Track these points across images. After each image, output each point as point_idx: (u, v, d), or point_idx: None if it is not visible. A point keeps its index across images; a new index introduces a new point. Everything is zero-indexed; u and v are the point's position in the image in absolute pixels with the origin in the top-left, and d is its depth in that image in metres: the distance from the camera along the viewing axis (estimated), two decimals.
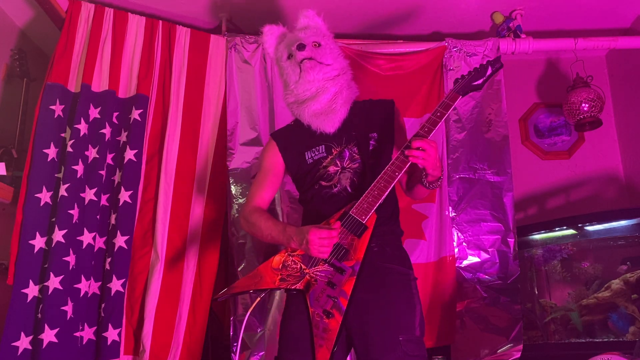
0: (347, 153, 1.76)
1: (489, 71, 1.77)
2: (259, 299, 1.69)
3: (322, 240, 1.53)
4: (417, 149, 1.58)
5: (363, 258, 1.56)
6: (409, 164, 1.62)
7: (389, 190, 1.60)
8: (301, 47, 1.73)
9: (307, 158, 1.80)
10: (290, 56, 1.78)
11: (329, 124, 1.75)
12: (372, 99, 1.91)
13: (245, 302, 2.35)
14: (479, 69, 1.78)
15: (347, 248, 1.58)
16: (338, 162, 1.76)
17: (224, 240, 2.45)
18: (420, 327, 1.60)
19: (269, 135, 1.97)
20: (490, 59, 1.81)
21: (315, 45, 1.77)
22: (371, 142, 1.77)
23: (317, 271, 1.59)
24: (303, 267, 1.61)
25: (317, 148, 1.79)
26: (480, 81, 1.76)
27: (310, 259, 1.60)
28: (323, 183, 1.75)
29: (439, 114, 1.66)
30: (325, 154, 1.78)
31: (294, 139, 1.85)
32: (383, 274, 1.64)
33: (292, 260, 1.63)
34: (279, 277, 1.62)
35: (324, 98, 1.73)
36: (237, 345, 2.30)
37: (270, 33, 1.90)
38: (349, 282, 1.54)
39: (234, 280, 2.36)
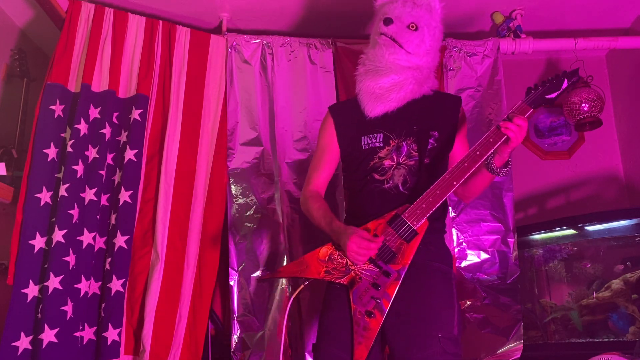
0: (405, 148, 1.68)
1: (565, 84, 1.64)
2: (302, 286, 1.67)
3: (360, 249, 1.52)
4: (518, 125, 1.53)
5: (410, 263, 1.55)
6: (483, 160, 1.56)
7: (444, 198, 1.56)
8: (387, 21, 1.63)
9: (362, 143, 1.72)
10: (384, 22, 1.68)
11: (370, 108, 1.69)
12: (441, 92, 1.84)
13: (245, 302, 2.35)
14: (554, 81, 1.65)
15: (395, 251, 1.56)
16: (394, 156, 1.68)
17: (224, 240, 2.45)
18: (459, 326, 1.59)
19: (328, 108, 1.88)
20: (567, 71, 1.67)
21: (411, 26, 1.66)
22: (431, 140, 1.69)
23: (363, 269, 1.58)
24: (349, 263, 1.60)
25: (375, 135, 1.70)
26: (554, 95, 1.64)
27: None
28: (376, 176, 1.68)
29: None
30: (382, 144, 1.70)
31: (353, 116, 1.76)
32: (424, 271, 1.61)
33: (339, 254, 1.62)
34: (324, 269, 1.61)
35: (382, 81, 1.66)
36: (237, 345, 2.30)
37: None
38: (393, 285, 1.53)
39: (234, 280, 2.37)
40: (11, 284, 1.98)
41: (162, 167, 2.36)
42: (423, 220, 1.56)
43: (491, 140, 1.56)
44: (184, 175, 2.41)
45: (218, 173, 2.49)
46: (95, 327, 2.16)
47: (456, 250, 2.53)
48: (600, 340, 2.39)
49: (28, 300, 1.96)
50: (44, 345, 1.92)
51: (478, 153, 1.57)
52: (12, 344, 1.90)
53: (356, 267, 1.58)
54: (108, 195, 2.29)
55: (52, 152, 2.14)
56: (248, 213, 2.45)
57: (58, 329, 1.97)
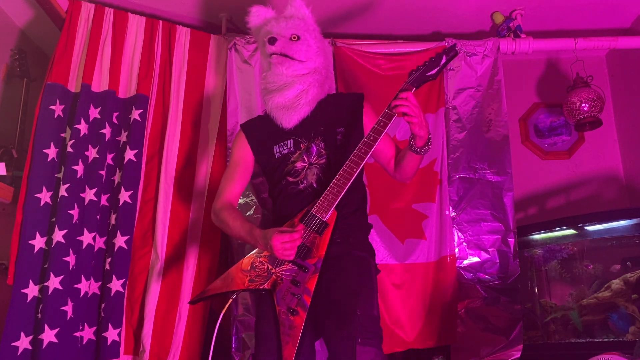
0: (315, 148, 1.77)
1: (443, 60, 1.70)
2: (230, 300, 1.71)
3: (285, 244, 1.56)
4: (404, 99, 1.59)
5: (325, 255, 1.59)
6: (376, 144, 1.62)
7: (348, 186, 1.61)
8: (272, 40, 1.73)
9: (275, 152, 1.81)
10: (264, 44, 1.78)
11: (287, 120, 1.76)
12: (342, 92, 1.91)
13: (246, 302, 2.35)
14: (434, 59, 1.72)
15: (310, 246, 1.61)
16: (305, 158, 1.77)
17: (224, 240, 2.45)
18: (377, 310, 1.65)
19: (239, 126, 1.97)
20: (447, 47, 1.74)
21: (293, 38, 1.76)
22: (338, 137, 1.77)
23: (282, 270, 1.63)
24: (270, 267, 1.65)
25: (286, 142, 1.79)
26: (434, 71, 1.69)
27: (276, 258, 1.63)
28: (290, 179, 1.76)
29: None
30: (293, 149, 1.78)
31: (264, 130, 1.85)
32: (345, 259, 1.68)
33: (260, 261, 1.67)
34: (248, 278, 1.66)
35: (288, 93, 1.74)
36: (237, 345, 2.30)
37: (256, 15, 1.89)
38: (312, 279, 1.58)
39: None
40: (11, 284, 1.98)
41: (162, 167, 2.37)
42: (331, 211, 1.61)
43: (382, 122, 1.64)
44: (184, 175, 2.41)
45: (218, 173, 2.49)
46: (95, 327, 2.17)
47: (456, 250, 2.53)
48: (600, 340, 2.39)
49: (28, 300, 1.97)
50: (44, 345, 1.93)
51: (372, 137, 1.64)
52: (12, 344, 1.90)
53: (277, 270, 1.63)
54: (108, 195, 2.29)
55: (52, 152, 2.14)
56: (248, 213, 2.44)
57: (58, 329, 1.97)
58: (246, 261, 1.70)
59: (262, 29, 1.85)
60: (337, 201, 1.61)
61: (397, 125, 2.57)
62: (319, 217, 1.62)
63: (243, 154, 1.88)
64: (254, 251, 1.71)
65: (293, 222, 1.67)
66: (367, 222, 1.83)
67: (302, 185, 1.74)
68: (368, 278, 1.69)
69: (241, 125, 1.95)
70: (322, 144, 1.77)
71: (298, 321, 1.54)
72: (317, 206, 1.63)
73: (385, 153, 1.85)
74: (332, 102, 1.84)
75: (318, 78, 1.79)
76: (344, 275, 1.64)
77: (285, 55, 1.74)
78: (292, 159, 1.77)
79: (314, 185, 1.73)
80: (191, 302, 1.95)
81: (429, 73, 1.69)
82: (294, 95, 1.74)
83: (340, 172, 1.63)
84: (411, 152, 1.71)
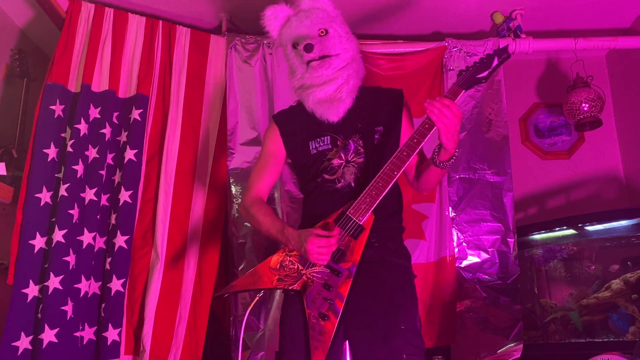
0: (352, 146, 1.71)
1: (495, 62, 1.62)
2: (257, 297, 1.68)
3: (321, 249, 1.51)
4: (445, 106, 1.51)
5: (360, 260, 1.54)
6: (420, 146, 1.56)
7: (387, 189, 1.56)
8: (309, 48, 1.65)
9: (311, 148, 1.74)
10: (295, 45, 1.73)
11: (334, 113, 1.69)
12: (381, 87, 1.84)
13: (245, 302, 2.35)
14: (485, 60, 1.63)
15: (344, 250, 1.55)
16: (342, 155, 1.70)
17: (224, 240, 2.45)
18: (419, 321, 1.60)
19: (272, 117, 1.90)
20: (498, 48, 1.67)
21: (321, 33, 1.69)
22: (376, 135, 1.71)
23: (313, 272, 1.58)
24: (300, 267, 1.60)
25: (323, 138, 1.73)
26: (485, 73, 1.61)
27: (307, 260, 1.58)
28: (326, 176, 1.70)
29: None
30: (330, 146, 1.72)
31: (298, 124, 1.79)
32: (384, 266, 1.62)
33: (290, 261, 1.62)
34: (277, 277, 1.61)
35: (330, 88, 1.67)
36: (237, 345, 2.30)
37: (274, 17, 1.80)
38: (345, 284, 1.52)
39: (234, 280, 2.37)
40: (11, 284, 1.98)
41: (162, 167, 2.37)
42: (368, 215, 1.55)
43: (427, 125, 1.57)
44: (184, 175, 2.41)
45: (218, 173, 2.49)
46: (95, 327, 2.16)
47: (456, 250, 2.53)
48: (600, 340, 2.39)
49: (28, 300, 1.96)
50: (44, 345, 1.93)
51: (415, 140, 1.57)
52: (12, 344, 1.90)
53: (307, 271, 1.58)
54: (108, 195, 2.29)
55: (52, 152, 2.14)
56: None
57: (58, 329, 1.97)
58: (275, 259, 1.64)
59: (284, 31, 1.78)
60: (375, 204, 1.55)
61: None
62: (355, 220, 1.55)
63: (275, 148, 1.81)
64: (282, 249, 1.66)
65: (327, 222, 1.60)
66: (401, 224, 1.77)
67: (340, 185, 1.68)
68: (410, 289, 1.64)
69: (273, 117, 1.89)
70: (361, 142, 1.70)
71: (329, 327, 1.50)
72: (353, 208, 1.56)
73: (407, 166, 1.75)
74: (370, 97, 1.77)
75: (355, 67, 1.72)
76: (386, 287, 1.58)
77: (324, 57, 1.68)
78: (328, 156, 1.71)
79: (352, 185, 1.67)
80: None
81: (480, 75, 1.61)
82: (334, 89, 1.68)
83: (379, 173, 1.56)
84: (434, 166, 1.64)
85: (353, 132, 1.72)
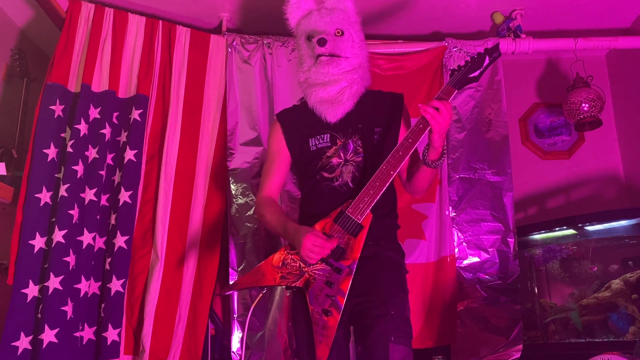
0: (352, 145, 1.75)
1: (486, 61, 1.68)
2: (260, 295, 1.72)
3: (314, 247, 1.54)
4: (435, 108, 1.57)
5: (359, 257, 1.58)
6: (415, 146, 1.61)
7: (385, 188, 1.59)
8: (322, 42, 1.69)
9: (310, 145, 1.78)
10: (309, 38, 1.76)
11: (332, 114, 1.74)
12: (382, 91, 1.87)
13: (245, 302, 2.35)
14: (476, 59, 1.69)
15: (344, 248, 1.59)
16: (342, 154, 1.74)
17: (224, 240, 2.45)
18: (408, 311, 1.66)
19: (275, 115, 1.92)
20: (488, 47, 1.72)
21: (337, 33, 1.74)
22: (375, 136, 1.75)
23: (315, 270, 1.61)
24: (302, 265, 1.63)
25: (322, 136, 1.77)
26: (477, 73, 1.67)
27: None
28: (325, 174, 1.74)
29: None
30: (329, 144, 1.76)
31: (300, 121, 1.83)
32: (377, 261, 1.67)
33: (292, 259, 1.65)
34: (280, 274, 1.64)
35: (332, 89, 1.72)
36: (237, 345, 2.30)
37: (297, 7, 1.84)
38: (345, 280, 1.56)
39: (234, 279, 2.37)
40: (11, 284, 1.98)
41: (162, 167, 2.37)
42: (367, 213, 1.59)
43: (421, 126, 1.62)
44: (184, 175, 2.41)
45: (218, 173, 2.49)
46: (95, 327, 2.16)
47: (456, 250, 2.53)
48: (600, 340, 2.39)
49: (28, 300, 1.97)
50: (44, 345, 1.93)
51: (410, 140, 1.62)
52: (12, 344, 1.90)
53: (309, 269, 1.61)
54: (108, 195, 2.29)
55: (52, 152, 2.14)
56: (248, 213, 2.44)
57: (58, 329, 1.97)
58: (277, 257, 1.67)
59: (302, 22, 1.81)
60: (374, 203, 1.59)
61: None
62: (354, 219, 1.59)
63: (279, 146, 1.85)
64: (284, 247, 1.69)
65: (327, 221, 1.64)
66: (396, 222, 1.81)
67: (337, 183, 1.72)
68: (401, 280, 1.70)
69: (277, 115, 1.93)
70: (360, 142, 1.74)
71: (332, 322, 1.54)
72: (352, 207, 1.60)
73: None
74: (372, 100, 1.82)
75: (361, 73, 1.77)
76: (378, 278, 1.64)
77: (333, 55, 1.72)
78: (327, 154, 1.75)
79: (350, 184, 1.70)
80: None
81: (472, 75, 1.66)
82: (337, 91, 1.72)
83: (377, 173, 1.61)
84: (424, 166, 1.69)
85: (353, 132, 1.76)
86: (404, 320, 1.61)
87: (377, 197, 1.59)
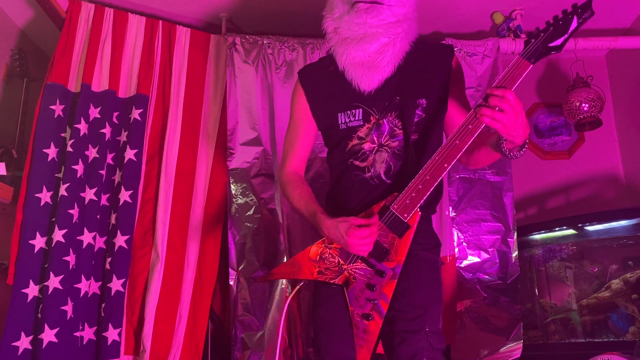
0: (387, 126, 1.48)
1: (574, 24, 1.32)
2: (298, 286, 1.56)
3: (363, 240, 1.36)
4: (494, 108, 1.26)
5: (405, 261, 1.41)
6: (477, 133, 1.34)
7: (436, 184, 1.38)
8: None
9: (340, 122, 1.53)
10: None
11: (366, 81, 1.47)
12: (425, 42, 1.54)
13: (245, 302, 2.35)
14: (562, 20, 1.33)
15: (388, 248, 1.42)
16: (375, 137, 1.49)
17: (224, 240, 2.45)
18: (441, 320, 1.53)
19: (297, 74, 1.66)
20: (577, 4, 1.34)
21: None
22: (417, 111, 1.47)
23: (355, 269, 1.46)
24: (341, 262, 1.48)
25: (354, 112, 1.51)
26: (560, 41, 1.32)
27: (348, 254, 1.47)
28: (356, 162, 1.51)
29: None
30: (362, 122, 1.50)
31: (327, 87, 1.56)
32: (412, 262, 1.48)
33: (330, 254, 1.49)
34: (317, 269, 1.49)
35: (370, 47, 1.44)
36: (237, 346, 2.30)
37: None
38: (389, 285, 1.41)
39: (234, 280, 2.37)
40: (11, 284, 1.98)
41: (162, 167, 2.37)
42: (414, 211, 1.39)
43: (470, 126, 1.37)
44: (184, 175, 2.41)
45: (218, 173, 2.49)
46: (95, 327, 2.16)
47: (456, 250, 2.53)
48: (600, 340, 2.39)
49: (28, 300, 1.96)
50: (44, 345, 1.92)
51: (470, 127, 1.35)
52: (12, 344, 1.90)
53: (349, 266, 1.47)
54: (108, 195, 2.29)
55: (52, 152, 2.14)
56: (248, 213, 2.44)
57: (58, 328, 1.97)
58: (314, 249, 1.50)
59: None
60: (422, 201, 1.38)
61: None
62: (400, 218, 1.40)
63: (303, 114, 1.60)
64: (322, 240, 1.51)
65: (368, 214, 1.44)
66: (434, 210, 1.59)
67: (368, 175, 1.49)
68: (437, 287, 1.52)
69: (299, 73, 1.65)
70: (398, 121, 1.47)
71: (373, 327, 1.42)
72: (397, 203, 1.39)
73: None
74: (415, 59, 1.50)
75: (406, 27, 1.46)
76: (414, 285, 1.47)
77: (374, 2, 1.42)
78: (359, 134, 1.50)
79: (383, 177, 1.47)
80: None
81: (553, 43, 1.32)
82: (376, 49, 1.43)
83: (427, 165, 1.37)
84: (493, 150, 1.42)
85: (389, 108, 1.49)
86: (438, 336, 1.46)
87: (427, 194, 1.37)
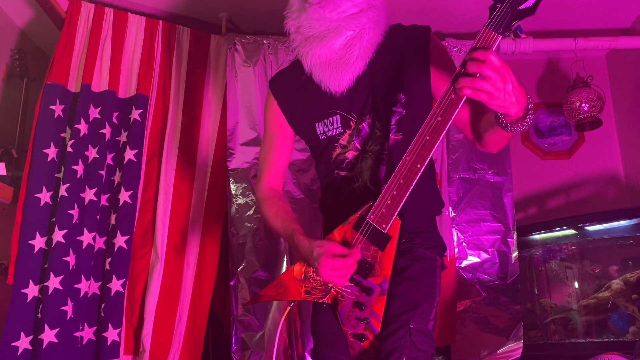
0: (366, 129, 1.36)
1: None
2: (289, 308, 1.48)
3: (335, 271, 1.25)
4: (475, 75, 1.05)
5: (391, 275, 1.30)
6: (453, 115, 1.14)
7: (412, 187, 1.23)
8: None
9: (318, 133, 1.42)
10: None
11: (335, 81, 1.32)
12: (402, 25, 1.39)
13: (245, 302, 2.35)
14: None
15: (372, 262, 1.30)
16: (357, 144, 1.37)
17: (224, 240, 2.45)
18: (434, 322, 1.37)
19: (268, 83, 1.55)
20: None
21: None
22: (396, 108, 1.32)
23: (342, 287, 1.36)
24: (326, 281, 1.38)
25: (331, 119, 1.39)
26: (531, 1, 1.09)
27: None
28: (341, 173, 1.41)
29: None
30: (341, 129, 1.39)
31: (299, 95, 1.44)
32: (409, 256, 1.40)
33: (313, 271, 1.38)
34: (304, 289, 1.39)
35: (335, 42, 1.29)
36: (237, 346, 2.30)
37: None
38: (379, 301, 1.31)
39: (234, 280, 2.37)
40: (11, 284, 1.98)
41: (162, 167, 2.37)
42: (393, 220, 1.26)
43: (452, 96, 1.15)
44: (184, 175, 2.41)
45: (218, 173, 2.49)
46: (95, 327, 2.16)
47: (456, 250, 2.53)
48: (600, 340, 2.39)
49: (28, 300, 1.96)
50: (44, 345, 1.92)
51: (439, 119, 1.16)
52: (12, 344, 1.90)
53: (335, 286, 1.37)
54: (108, 195, 2.29)
55: (52, 152, 2.14)
56: (248, 213, 2.44)
57: (58, 329, 1.97)
58: (297, 268, 1.39)
59: None
60: (399, 208, 1.24)
61: None
62: (378, 229, 1.27)
63: (278, 126, 1.49)
64: (302, 259, 1.42)
65: (347, 228, 1.32)
66: (440, 201, 1.47)
67: (357, 184, 1.38)
68: (431, 286, 1.40)
69: (270, 83, 1.53)
70: (377, 122, 1.34)
71: (369, 347, 1.33)
72: (373, 213, 1.27)
73: (456, 120, 1.28)
74: (389, 49, 1.34)
75: (372, 16, 1.30)
76: (404, 283, 1.35)
77: None
78: (341, 142, 1.39)
79: (369, 184, 1.36)
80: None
81: (524, 6, 1.09)
82: (342, 44, 1.28)
83: (398, 167, 1.22)
84: (499, 128, 1.24)
85: (367, 109, 1.37)
86: (425, 337, 1.31)
87: (404, 200, 1.24)
